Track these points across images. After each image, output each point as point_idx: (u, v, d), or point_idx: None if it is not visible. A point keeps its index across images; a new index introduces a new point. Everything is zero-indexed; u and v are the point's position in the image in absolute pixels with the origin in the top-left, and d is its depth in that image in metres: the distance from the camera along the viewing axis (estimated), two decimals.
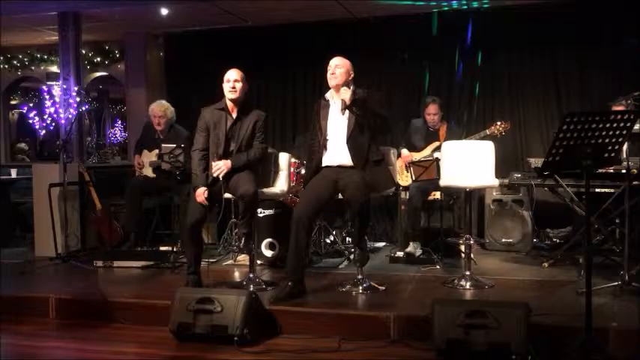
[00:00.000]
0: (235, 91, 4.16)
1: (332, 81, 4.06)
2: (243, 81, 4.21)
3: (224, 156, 4.18)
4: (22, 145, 10.26)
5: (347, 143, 4.03)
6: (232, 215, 5.50)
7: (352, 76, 4.10)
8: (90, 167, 6.31)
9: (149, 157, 5.67)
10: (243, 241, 4.51)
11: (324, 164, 4.12)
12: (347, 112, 4.03)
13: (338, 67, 4.06)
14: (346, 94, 4.00)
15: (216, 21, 6.95)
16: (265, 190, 4.34)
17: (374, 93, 4.23)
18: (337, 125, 4.09)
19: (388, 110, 4.14)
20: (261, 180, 4.34)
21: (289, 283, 3.91)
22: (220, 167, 4.11)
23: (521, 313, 3.10)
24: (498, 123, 5.47)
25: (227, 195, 4.23)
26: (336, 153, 4.07)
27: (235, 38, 7.15)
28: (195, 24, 7.18)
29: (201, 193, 4.08)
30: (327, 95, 4.20)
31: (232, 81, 4.17)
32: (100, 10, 6.64)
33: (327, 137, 4.11)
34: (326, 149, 4.12)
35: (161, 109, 5.67)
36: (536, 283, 4.42)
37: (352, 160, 4.01)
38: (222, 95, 4.26)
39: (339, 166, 4.06)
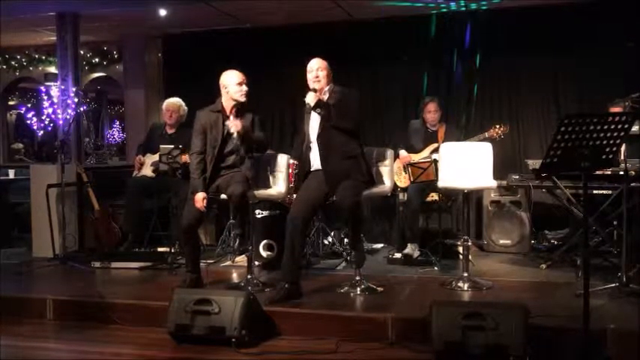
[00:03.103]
0: (245, 95, 4.18)
1: (315, 84, 4.05)
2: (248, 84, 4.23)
3: (219, 158, 4.18)
4: (17, 144, 10.23)
5: (316, 141, 4.05)
6: (230, 216, 5.49)
7: (331, 75, 4.12)
8: (88, 168, 6.30)
9: (152, 159, 5.66)
10: (237, 242, 4.52)
11: (313, 167, 4.14)
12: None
13: (320, 70, 4.07)
14: (310, 97, 4.02)
15: (215, 22, 6.95)
16: (263, 191, 4.34)
17: (351, 92, 4.18)
18: (315, 128, 4.12)
19: (358, 110, 4.11)
20: (259, 181, 4.35)
21: (285, 285, 3.90)
22: (237, 124, 4.10)
23: (519, 314, 3.11)
24: (497, 126, 5.47)
25: (223, 196, 4.23)
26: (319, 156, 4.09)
27: (234, 40, 7.15)
28: (194, 25, 7.18)
29: (201, 199, 4.06)
30: (307, 99, 4.10)
31: (245, 84, 4.18)
32: (98, 11, 6.64)
33: (311, 140, 4.13)
34: (310, 152, 4.14)
35: (176, 104, 5.74)
36: (534, 284, 4.42)
37: (320, 158, 4.02)
38: (219, 95, 4.26)
39: None
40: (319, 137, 4.05)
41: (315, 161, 4.12)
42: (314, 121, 4.14)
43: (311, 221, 4.97)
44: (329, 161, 4.01)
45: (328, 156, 4.01)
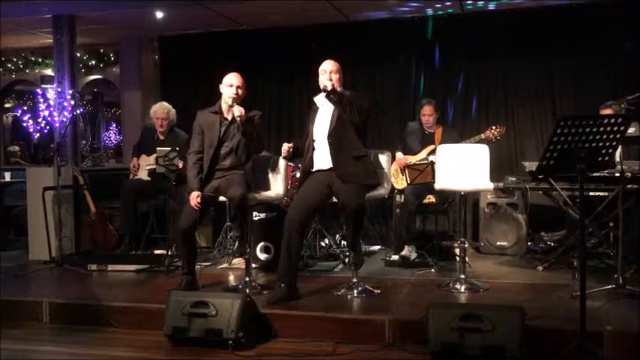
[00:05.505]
0: (237, 98, 4.15)
1: (328, 86, 4.03)
2: (244, 87, 4.22)
3: (215, 158, 4.19)
4: (13, 147, 10.21)
5: (328, 138, 4.03)
6: (227, 218, 5.49)
7: (342, 79, 4.13)
8: (84, 170, 6.29)
9: (147, 161, 5.65)
10: (236, 245, 4.52)
11: (315, 168, 4.12)
12: (331, 111, 4.05)
13: (334, 73, 4.06)
14: (327, 83, 4.02)
15: (211, 24, 6.95)
16: (261, 193, 4.33)
17: (363, 93, 4.24)
18: (323, 127, 4.09)
19: (374, 105, 4.14)
20: (258, 183, 4.34)
21: (281, 286, 3.90)
22: (241, 109, 4.08)
23: (515, 316, 3.11)
24: (493, 127, 5.48)
25: (222, 198, 4.23)
26: (326, 156, 4.06)
27: (230, 41, 7.16)
28: (190, 27, 7.18)
29: (195, 197, 4.09)
30: (316, 99, 4.18)
31: (235, 87, 4.16)
32: (94, 13, 6.63)
33: (314, 139, 4.12)
34: (314, 152, 4.12)
35: (164, 111, 5.70)
36: (530, 286, 4.42)
37: (331, 156, 4.00)
38: (219, 97, 4.26)
39: (330, 170, 4.05)
40: (331, 135, 4.02)
41: (318, 162, 4.10)
42: (323, 119, 4.11)
43: (309, 223, 4.97)
44: (340, 160, 3.98)
45: (339, 155, 3.99)
